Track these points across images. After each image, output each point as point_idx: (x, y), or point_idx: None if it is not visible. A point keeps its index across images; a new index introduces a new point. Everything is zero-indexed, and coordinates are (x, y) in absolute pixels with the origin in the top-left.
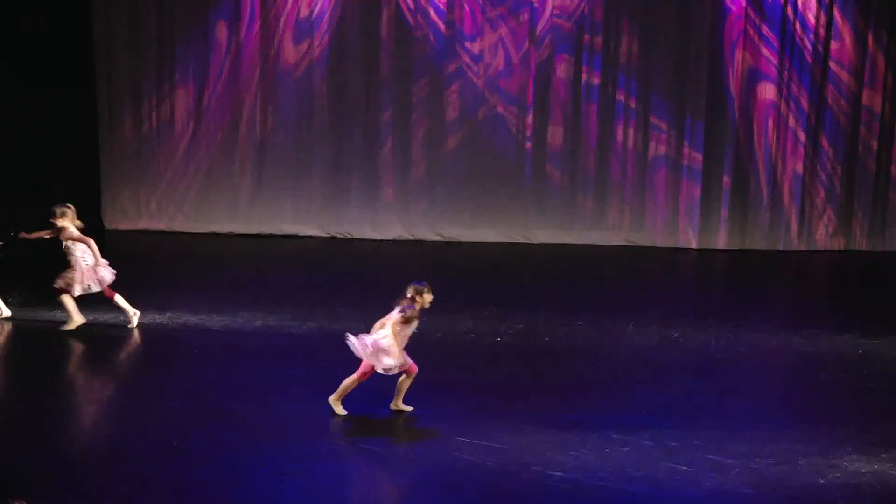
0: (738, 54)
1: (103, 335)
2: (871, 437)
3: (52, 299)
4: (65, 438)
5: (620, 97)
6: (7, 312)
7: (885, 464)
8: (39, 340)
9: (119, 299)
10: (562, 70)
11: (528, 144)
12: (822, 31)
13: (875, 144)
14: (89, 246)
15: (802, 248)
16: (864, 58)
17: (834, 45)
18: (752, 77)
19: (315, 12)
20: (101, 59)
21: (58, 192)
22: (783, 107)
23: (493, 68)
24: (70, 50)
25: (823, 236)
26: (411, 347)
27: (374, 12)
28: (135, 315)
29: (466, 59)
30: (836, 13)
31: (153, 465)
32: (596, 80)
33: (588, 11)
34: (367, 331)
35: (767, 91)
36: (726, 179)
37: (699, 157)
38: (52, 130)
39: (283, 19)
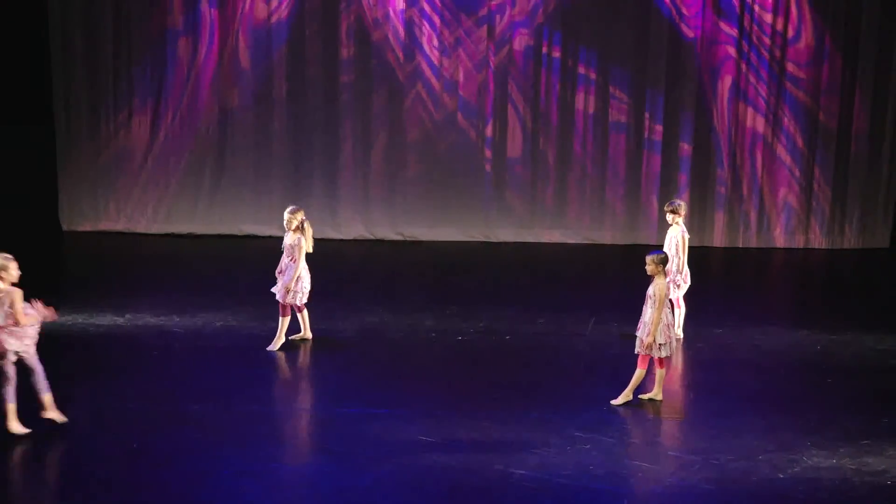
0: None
1: (62, 337)
2: (830, 432)
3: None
4: (25, 441)
5: (581, 83)
6: None
7: (843, 458)
8: None
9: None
10: (521, 64)
11: (488, 144)
12: (780, 21)
13: (834, 142)
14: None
15: (762, 245)
16: (823, 53)
17: (792, 46)
18: (718, 62)
19: (273, 17)
20: (58, 57)
21: (14, 192)
22: (745, 105)
23: (451, 68)
24: (26, 48)
25: (782, 234)
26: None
27: (333, 16)
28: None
29: (425, 57)
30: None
31: (114, 468)
32: (556, 58)
33: (546, 15)
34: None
35: (735, 94)
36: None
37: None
38: (6, 128)
39: (241, 25)
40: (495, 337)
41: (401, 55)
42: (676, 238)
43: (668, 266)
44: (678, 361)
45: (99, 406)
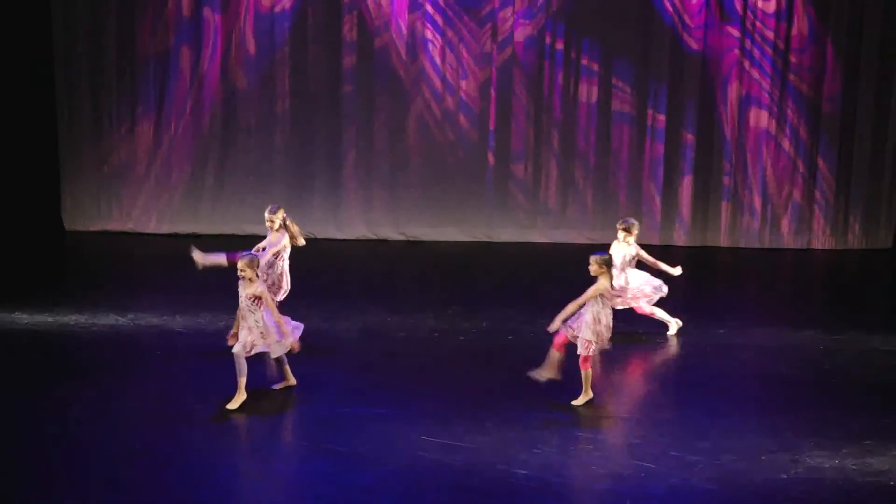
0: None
1: (64, 337)
2: (833, 432)
3: (12, 302)
4: (27, 441)
5: (584, 80)
6: None
7: (845, 458)
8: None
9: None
10: (524, 63)
11: (491, 145)
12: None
13: (838, 141)
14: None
15: (765, 246)
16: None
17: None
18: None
19: (277, 7)
20: (60, 57)
21: (17, 191)
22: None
23: (454, 67)
24: (29, 47)
25: (786, 233)
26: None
27: (336, 16)
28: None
29: (428, 56)
30: None
31: (116, 468)
32: (559, 57)
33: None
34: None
35: (734, 86)
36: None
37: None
38: (9, 126)
39: (245, 22)
40: (497, 337)
41: (404, 54)
42: (628, 255)
43: (617, 282)
44: (682, 361)
45: (101, 406)
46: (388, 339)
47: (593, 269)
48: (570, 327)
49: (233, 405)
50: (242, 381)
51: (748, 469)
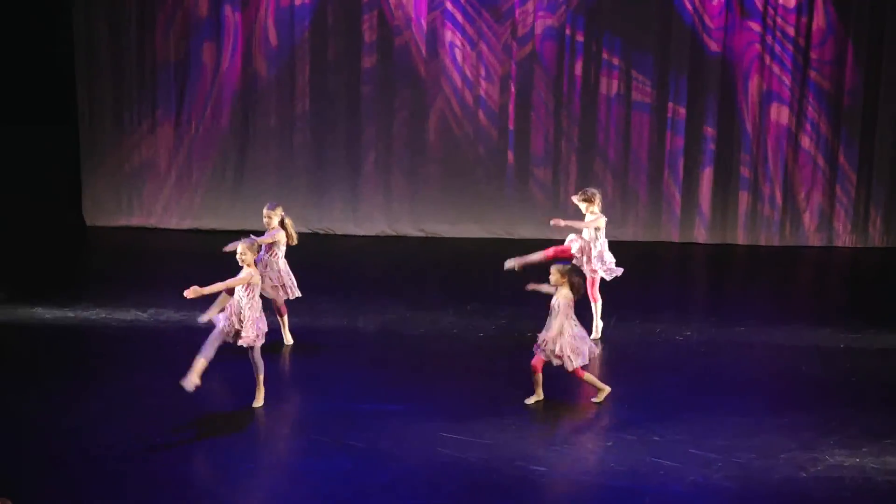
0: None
1: (86, 333)
2: (852, 431)
3: (33, 297)
4: (46, 436)
5: (604, 75)
6: None
7: (865, 457)
8: (19, 338)
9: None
10: (544, 60)
11: (511, 142)
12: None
13: (859, 137)
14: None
15: (786, 243)
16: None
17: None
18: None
19: (297, 2)
20: (81, 54)
21: (37, 186)
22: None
23: (474, 64)
24: (50, 45)
25: (807, 231)
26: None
27: (356, 13)
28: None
29: (448, 53)
30: None
31: (135, 463)
32: (580, 54)
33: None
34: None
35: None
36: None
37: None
38: (31, 123)
39: (266, 15)
40: (516, 333)
41: (423, 51)
42: (593, 225)
43: (592, 255)
44: (701, 359)
45: (120, 401)
46: (407, 336)
47: (554, 278)
48: (543, 349)
49: (257, 403)
50: (260, 377)
51: (767, 467)
